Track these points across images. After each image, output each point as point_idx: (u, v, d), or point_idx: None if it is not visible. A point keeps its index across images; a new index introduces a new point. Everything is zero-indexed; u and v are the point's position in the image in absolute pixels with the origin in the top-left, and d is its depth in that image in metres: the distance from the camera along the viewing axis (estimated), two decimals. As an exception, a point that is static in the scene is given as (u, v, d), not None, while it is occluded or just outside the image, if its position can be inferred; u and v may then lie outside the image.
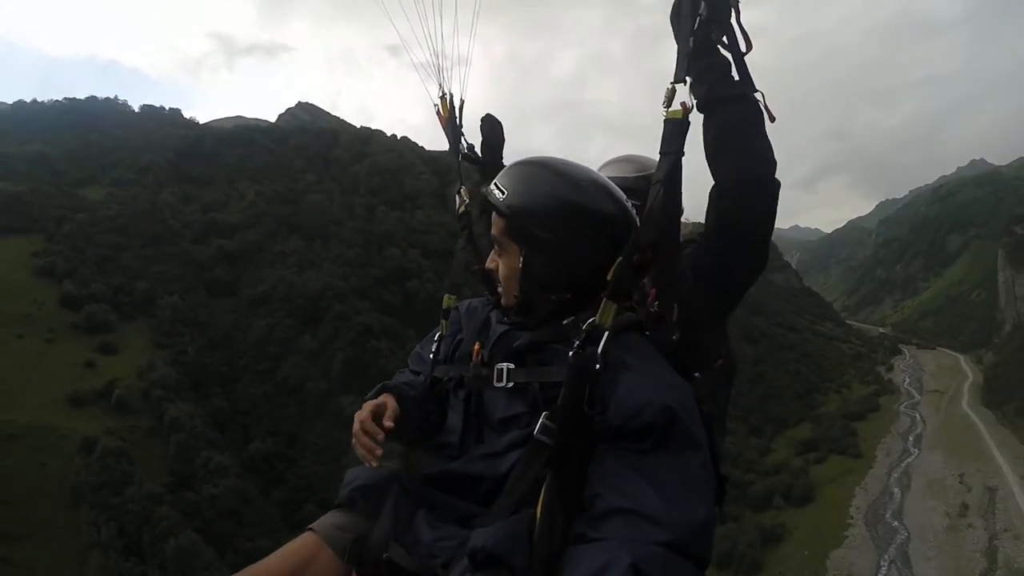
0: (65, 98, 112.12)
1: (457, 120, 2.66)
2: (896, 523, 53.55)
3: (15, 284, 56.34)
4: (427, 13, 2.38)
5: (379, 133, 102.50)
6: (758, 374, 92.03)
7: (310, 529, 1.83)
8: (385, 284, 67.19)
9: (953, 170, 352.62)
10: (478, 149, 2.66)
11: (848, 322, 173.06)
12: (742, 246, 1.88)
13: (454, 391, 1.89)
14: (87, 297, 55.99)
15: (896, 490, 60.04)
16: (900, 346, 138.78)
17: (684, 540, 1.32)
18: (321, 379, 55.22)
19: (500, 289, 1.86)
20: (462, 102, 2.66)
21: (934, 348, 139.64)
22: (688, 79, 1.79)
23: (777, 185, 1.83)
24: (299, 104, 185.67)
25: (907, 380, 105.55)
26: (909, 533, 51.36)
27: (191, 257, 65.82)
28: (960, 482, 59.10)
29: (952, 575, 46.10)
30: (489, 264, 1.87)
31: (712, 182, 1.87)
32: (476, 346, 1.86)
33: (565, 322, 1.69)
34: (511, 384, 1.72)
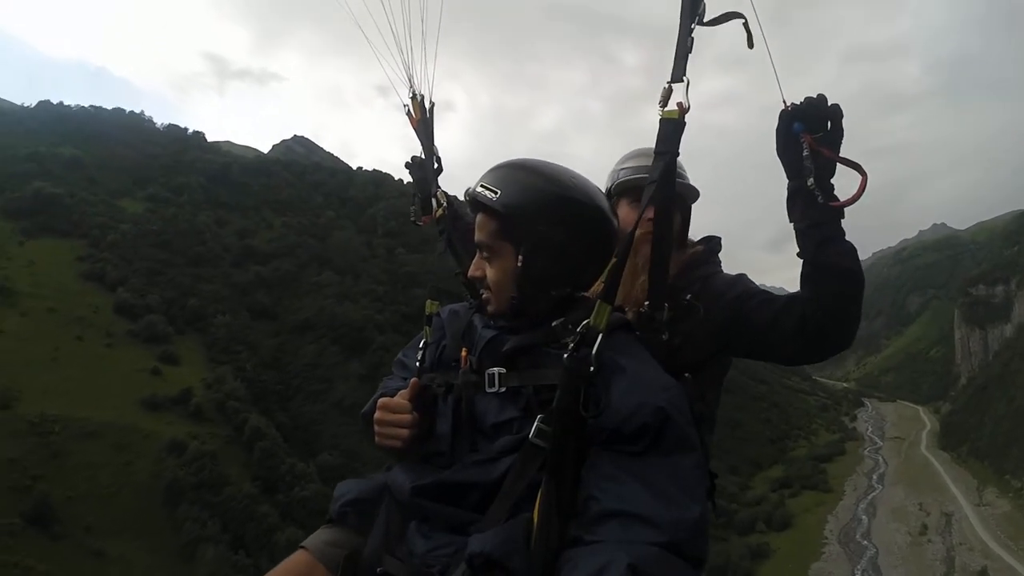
0: (92, 105, 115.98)
1: (429, 122, 2.79)
2: (865, 542, 64.22)
3: (64, 286, 60.16)
4: (395, 17, 2.47)
5: (388, 176, 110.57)
6: (735, 421, 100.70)
7: (302, 547, 1.90)
8: (413, 321, 74.01)
9: (915, 233, 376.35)
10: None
11: (814, 377, 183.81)
12: (810, 356, 2.10)
13: (443, 398, 1.89)
14: (143, 307, 61.38)
15: (864, 517, 71.01)
16: (863, 399, 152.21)
17: (679, 540, 1.38)
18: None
19: (488, 295, 1.86)
20: (432, 104, 2.77)
21: (895, 400, 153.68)
22: (792, 223, 1.94)
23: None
24: (294, 137, 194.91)
25: (870, 428, 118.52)
26: (877, 549, 61.96)
27: (232, 280, 72.68)
28: (920, 509, 70.71)
29: (917, 578, 56.67)
30: (474, 272, 1.88)
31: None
32: (463, 352, 1.87)
33: (554, 324, 1.72)
34: (503, 389, 1.74)
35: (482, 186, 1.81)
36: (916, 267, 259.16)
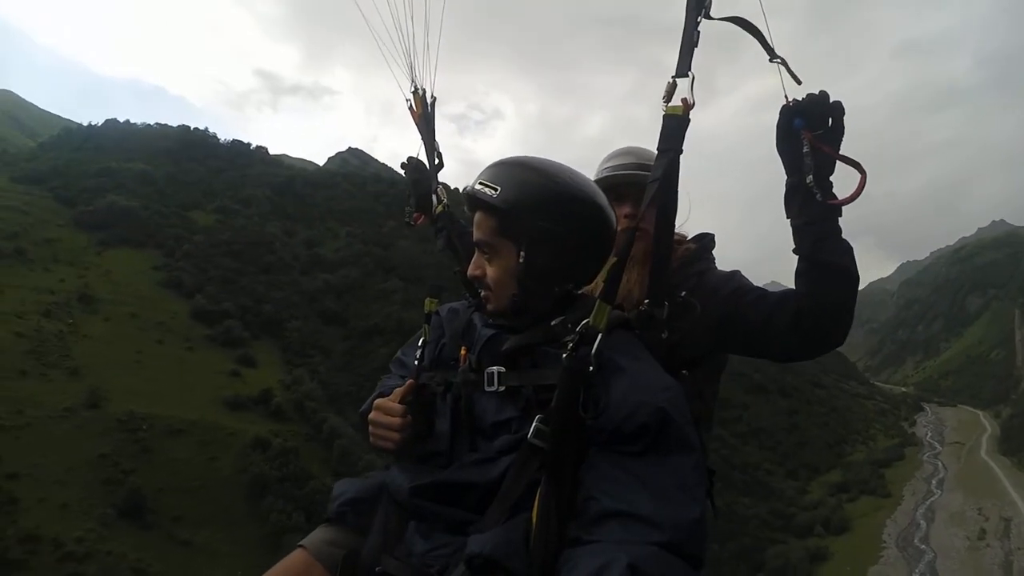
0: (157, 123, 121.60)
1: (431, 116, 2.74)
2: (923, 546, 64.95)
3: (143, 293, 62.75)
4: (397, 8, 2.47)
5: (444, 186, 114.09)
6: (792, 424, 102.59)
7: (300, 546, 1.90)
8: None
9: (974, 231, 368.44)
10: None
11: (872, 382, 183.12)
12: (804, 353, 2.08)
13: (442, 397, 1.90)
14: (220, 313, 64.28)
15: (922, 521, 71.64)
16: (922, 404, 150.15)
17: (679, 540, 1.39)
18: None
19: (487, 294, 1.86)
20: (434, 99, 2.73)
21: (955, 405, 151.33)
22: (790, 221, 1.94)
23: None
24: (349, 149, 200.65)
25: (929, 434, 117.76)
26: (936, 553, 62.73)
27: (302, 288, 75.75)
28: (979, 514, 71.06)
29: (974, 582, 57.67)
30: (474, 271, 1.87)
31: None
32: (463, 351, 1.88)
33: (554, 323, 1.74)
34: (502, 388, 1.74)
35: (481, 184, 1.81)
36: (975, 266, 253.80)
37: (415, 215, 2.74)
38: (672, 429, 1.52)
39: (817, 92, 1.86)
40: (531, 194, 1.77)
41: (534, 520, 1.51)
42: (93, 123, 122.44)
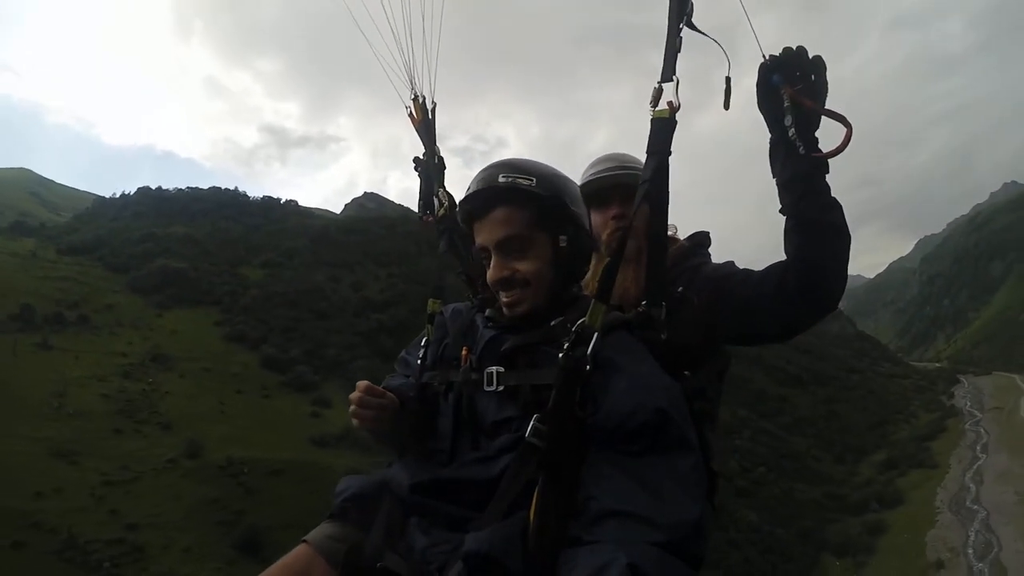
0: (188, 187, 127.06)
1: (430, 122, 2.78)
2: (975, 506, 67.98)
3: (211, 348, 65.33)
4: (395, 17, 2.52)
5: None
6: (832, 411, 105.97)
7: (304, 541, 1.95)
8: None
9: (987, 197, 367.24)
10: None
11: (907, 361, 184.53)
12: (798, 320, 2.09)
13: (444, 396, 1.95)
14: (288, 360, 67.41)
15: (971, 485, 74.55)
16: (958, 376, 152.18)
17: (678, 540, 1.42)
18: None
19: (520, 294, 1.87)
20: (434, 105, 2.77)
21: (990, 373, 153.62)
22: (775, 182, 1.96)
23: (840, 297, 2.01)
24: (365, 194, 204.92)
25: (968, 403, 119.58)
26: (988, 511, 66.33)
27: (357, 329, 79.53)
28: (1025, 470, 75.44)
29: (1026, 532, 61.06)
30: (501, 272, 1.87)
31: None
32: (464, 350, 1.92)
33: (553, 323, 1.79)
34: (501, 388, 1.80)
35: (513, 177, 1.83)
36: (993, 232, 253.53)
37: (425, 216, 2.75)
38: (671, 429, 1.56)
39: (794, 47, 1.89)
40: (561, 184, 1.91)
41: (531, 518, 1.55)
42: (126, 192, 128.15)
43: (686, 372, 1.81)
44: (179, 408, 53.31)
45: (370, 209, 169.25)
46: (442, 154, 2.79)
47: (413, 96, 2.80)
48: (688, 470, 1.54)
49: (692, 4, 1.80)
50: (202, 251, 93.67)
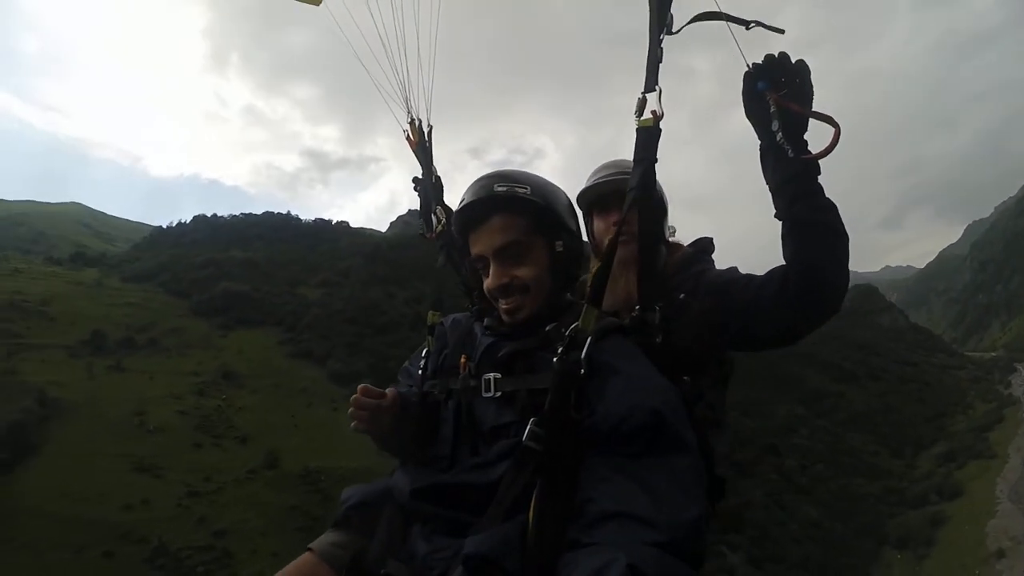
0: (243, 213, 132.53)
1: (426, 144, 2.87)
2: None
3: (278, 366, 67.71)
4: (391, 41, 2.56)
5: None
6: (887, 405, 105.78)
7: (309, 549, 1.99)
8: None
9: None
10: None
11: (961, 352, 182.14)
12: (799, 324, 2.04)
13: (444, 403, 1.98)
14: (354, 374, 65.64)
15: None
16: (1015, 364, 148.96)
17: (677, 540, 1.42)
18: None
19: (520, 300, 1.92)
20: (430, 127, 2.86)
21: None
22: (767, 184, 1.96)
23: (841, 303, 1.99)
24: (409, 212, 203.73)
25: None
26: None
27: (414, 343, 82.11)
28: (1085, 459, 75.40)
29: (1087, 522, 61.33)
30: (501, 279, 1.91)
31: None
32: (463, 358, 1.96)
33: (548, 329, 1.82)
34: (499, 393, 1.82)
35: (509, 186, 1.89)
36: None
37: (430, 234, 2.83)
38: (667, 430, 1.58)
39: (776, 54, 1.89)
40: (553, 192, 1.97)
41: (530, 521, 1.56)
42: (182, 221, 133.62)
43: (686, 377, 1.88)
44: (254, 422, 55.21)
45: (414, 226, 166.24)
46: (439, 173, 2.91)
47: (410, 120, 2.89)
48: (685, 470, 1.56)
49: (672, 15, 1.85)
50: (261, 273, 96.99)
